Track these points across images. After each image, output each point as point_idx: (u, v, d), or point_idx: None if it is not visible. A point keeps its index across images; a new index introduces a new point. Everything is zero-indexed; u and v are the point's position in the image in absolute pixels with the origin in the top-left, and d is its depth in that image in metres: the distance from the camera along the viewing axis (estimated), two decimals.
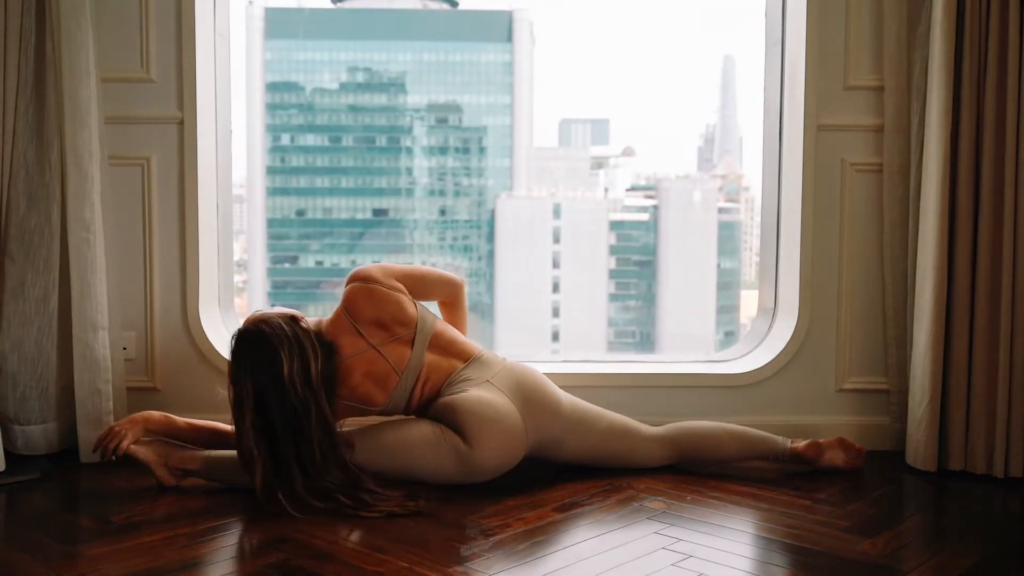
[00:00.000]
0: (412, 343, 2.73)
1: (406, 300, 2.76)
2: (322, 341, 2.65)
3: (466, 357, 2.80)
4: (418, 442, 2.64)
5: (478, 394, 2.67)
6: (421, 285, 2.85)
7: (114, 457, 2.70)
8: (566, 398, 2.84)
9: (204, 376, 3.16)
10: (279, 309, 2.67)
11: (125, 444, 2.69)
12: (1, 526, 2.52)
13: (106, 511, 2.56)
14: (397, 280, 2.76)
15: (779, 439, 2.91)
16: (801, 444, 2.90)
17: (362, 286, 2.73)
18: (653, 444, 2.88)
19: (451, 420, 2.66)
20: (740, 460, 2.92)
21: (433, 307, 2.92)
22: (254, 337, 2.54)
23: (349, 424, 2.72)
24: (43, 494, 2.73)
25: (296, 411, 2.51)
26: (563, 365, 3.30)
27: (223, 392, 2.60)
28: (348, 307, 2.71)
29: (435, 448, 2.64)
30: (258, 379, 2.51)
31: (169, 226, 3.19)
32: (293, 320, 2.62)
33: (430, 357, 2.75)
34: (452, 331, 2.85)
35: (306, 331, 2.61)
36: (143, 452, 2.72)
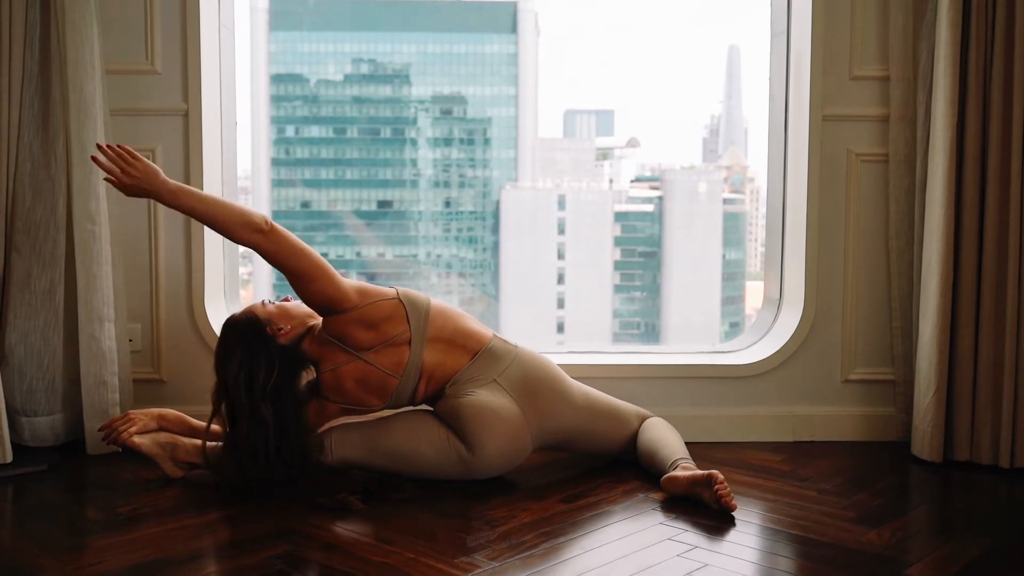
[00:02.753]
0: (409, 343, 2.67)
1: (382, 303, 2.66)
2: (298, 354, 2.64)
3: (474, 348, 2.72)
4: (423, 448, 2.64)
5: (482, 400, 2.63)
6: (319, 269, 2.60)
7: (116, 445, 2.74)
8: (579, 391, 2.80)
9: (210, 368, 3.16)
10: (272, 307, 2.68)
11: (132, 431, 2.72)
12: (9, 517, 2.53)
13: (113, 502, 2.57)
14: (350, 284, 2.66)
15: (669, 463, 2.66)
16: (668, 474, 2.61)
17: (339, 317, 2.62)
18: (634, 442, 2.86)
19: (454, 425, 2.64)
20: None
21: (433, 295, 2.89)
22: (223, 331, 2.65)
23: (354, 419, 2.72)
24: (50, 485, 2.74)
25: (241, 411, 2.56)
26: (568, 356, 3.30)
27: None
28: (333, 335, 2.64)
29: (439, 452, 2.64)
30: (221, 374, 2.61)
31: (174, 218, 3.19)
32: (263, 330, 2.61)
33: (432, 356, 2.68)
34: (455, 318, 2.75)
35: (268, 342, 2.60)
36: (147, 445, 2.72)
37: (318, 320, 2.70)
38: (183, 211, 2.55)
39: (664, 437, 2.78)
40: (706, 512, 2.47)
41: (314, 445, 2.63)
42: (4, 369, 2.96)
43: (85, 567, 2.10)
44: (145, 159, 2.51)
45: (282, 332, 2.64)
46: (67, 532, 2.35)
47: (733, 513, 2.45)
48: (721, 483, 2.46)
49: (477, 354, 2.71)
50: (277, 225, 2.57)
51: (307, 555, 2.18)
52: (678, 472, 2.59)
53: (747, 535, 2.36)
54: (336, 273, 2.63)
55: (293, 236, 2.59)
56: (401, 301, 2.69)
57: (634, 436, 2.85)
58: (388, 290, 2.71)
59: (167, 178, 2.52)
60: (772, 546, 2.30)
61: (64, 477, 2.83)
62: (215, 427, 2.68)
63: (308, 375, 2.70)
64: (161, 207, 3.17)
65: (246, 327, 2.62)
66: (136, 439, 2.72)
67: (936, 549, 2.26)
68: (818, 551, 2.22)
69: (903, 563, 2.16)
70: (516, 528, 2.35)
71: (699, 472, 2.53)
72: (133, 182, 2.49)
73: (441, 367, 2.69)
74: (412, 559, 2.14)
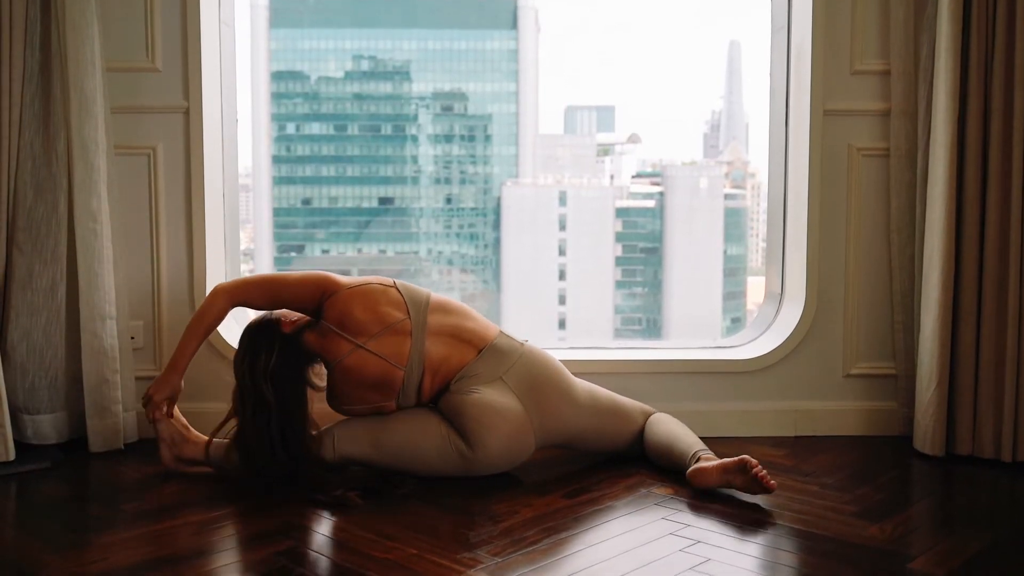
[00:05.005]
0: (410, 333, 2.67)
1: (376, 285, 2.69)
2: (299, 342, 2.67)
3: (479, 344, 2.72)
4: (424, 444, 2.64)
5: (486, 398, 2.63)
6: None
7: (148, 415, 2.78)
8: (583, 390, 2.79)
9: (211, 364, 3.17)
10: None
11: (158, 415, 2.77)
12: (12, 515, 2.54)
13: (116, 499, 2.58)
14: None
15: (688, 456, 2.66)
16: (693, 467, 2.61)
17: (334, 300, 2.65)
18: (638, 438, 2.86)
19: (456, 422, 2.64)
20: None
21: (435, 291, 2.89)
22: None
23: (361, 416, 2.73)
24: (53, 483, 2.75)
25: (246, 396, 2.63)
26: (570, 352, 3.30)
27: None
28: (333, 322, 2.64)
29: (440, 449, 2.64)
30: (235, 367, 2.70)
31: (176, 215, 3.19)
32: (270, 320, 2.70)
33: (436, 349, 2.68)
34: (458, 314, 2.75)
35: (270, 329, 2.67)
36: (163, 427, 2.78)
37: None
38: (194, 351, 2.76)
39: (676, 431, 2.78)
40: (710, 507, 2.47)
41: (316, 437, 2.65)
42: (6, 367, 2.96)
43: (88, 564, 2.10)
44: (157, 410, 2.77)
45: (285, 320, 2.69)
46: (70, 529, 2.36)
47: (732, 510, 2.45)
48: (756, 466, 2.47)
49: (483, 350, 2.71)
50: (224, 282, 2.80)
51: (310, 551, 2.18)
52: (704, 463, 2.58)
53: (750, 530, 2.36)
54: (310, 272, 2.73)
55: (248, 276, 2.82)
56: (398, 288, 2.72)
57: (639, 433, 2.85)
58: (385, 279, 2.74)
59: (161, 383, 2.76)
60: (774, 541, 2.30)
61: (67, 474, 2.83)
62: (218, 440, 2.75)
63: (316, 371, 2.73)
64: (162, 206, 3.18)
65: (255, 321, 2.74)
66: (161, 423, 2.77)
67: (938, 543, 2.26)
68: (820, 545, 2.22)
69: (905, 557, 2.16)
70: (518, 524, 2.35)
71: (729, 460, 2.53)
72: (162, 408, 2.77)
73: (446, 362, 2.69)
74: (415, 555, 2.15)
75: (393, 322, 2.65)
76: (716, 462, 2.56)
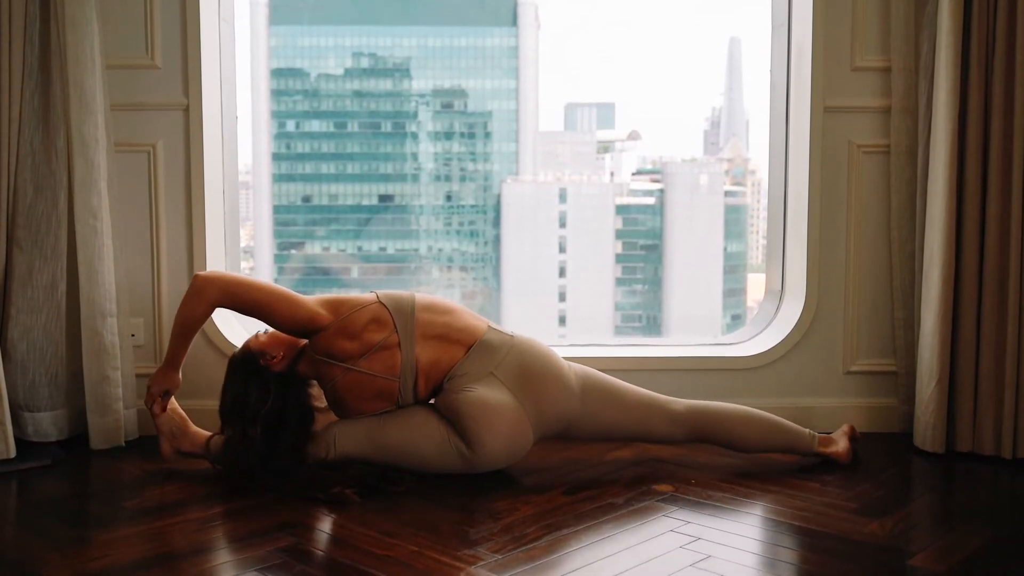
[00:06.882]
0: (399, 345, 2.65)
1: (362, 311, 2.64)
2: (295, 377, 2.68)
3: (468, 341, 2.70)
4: (424, 444, 2.64)
5: (479, 395, 2.62)
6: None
7: (149, 406, 2.79)
8: (578, 377, 2.75)
9: (211, 362, 3.16)
10: (264, 336, 2.73)
11: (156, 410, 2.77)
12: (13, 512, 2.54)
13: (117, 497, 2.58)
14: (318, 303, 2.67)
15: (806, 435, 2.81)
16: (839, 448, 2.82)
17: (320, 336, 2.61)
18: (673, 426, 2.77)
19: (454, 422, 2.64)
20: (761, 452, 2.84)
21: (425, 288, 2.89)
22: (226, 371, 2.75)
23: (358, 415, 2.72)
24: (54, 480, 2.75)
25: (233, 428, 2.64)
26: (570, 349, 3.30)
27: None
28: (321, 354, 2.64)
29: (439, 448, 2.63)
30: (221, 411, 2.71)
31: (176, 213, 3.19)
32: (257, 363, 2.66)
33: (426, 354, 2.66)
34: (445, 313, 2.73)
35: (262, 375, 2.65)
36: (161, 421, 2.78)
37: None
38: (186, 348, 2.71)
39: (759, 417, 2.82)
40: (710, 504, 2.47)
41: (315, 436, 2.66)
42: (7, 364, 2.96)
43: (89, 561, 2.11)
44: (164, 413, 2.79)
45: (275, 360, 2.66)
46: (71, 526, 2.36)
47: (736, 508, 2.46)
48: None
49: (471, 348, 2.70)
50: (207, 272, 2.68)
51: (311, 548, 2.18)
52: (838, 441, 2.86)
53: (750, 527, 2.36)
54: (299, 296, 2.65)
55: (235, 274, 2.77)
56: (383, 304, 2.68)
57: (665, 430, 2.77)
58: (367, 296, 2.70)
59: (158, 376, 2.75)
60: (775, 537, 2.31)
61: (67, 472, 2.83)
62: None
63: (315, 391, 2.74)
64: (162, 202, 3.18)
65: (239, 363, 2.70)
66: (160, 418, 2.78)
67: (938, 540, 2.26)
68: (821, 542, 2.22)
69: (906, 554, 2.16)
70: (519, 520, 2.35)
71: (847, 433, 2.90)
72: (158, 401, 2.77)
73: (436, 365, 2.68)
74: (415, 552, 2.15)
75: (380, 341, 2.64)
76: (844, 437, 2.88)
